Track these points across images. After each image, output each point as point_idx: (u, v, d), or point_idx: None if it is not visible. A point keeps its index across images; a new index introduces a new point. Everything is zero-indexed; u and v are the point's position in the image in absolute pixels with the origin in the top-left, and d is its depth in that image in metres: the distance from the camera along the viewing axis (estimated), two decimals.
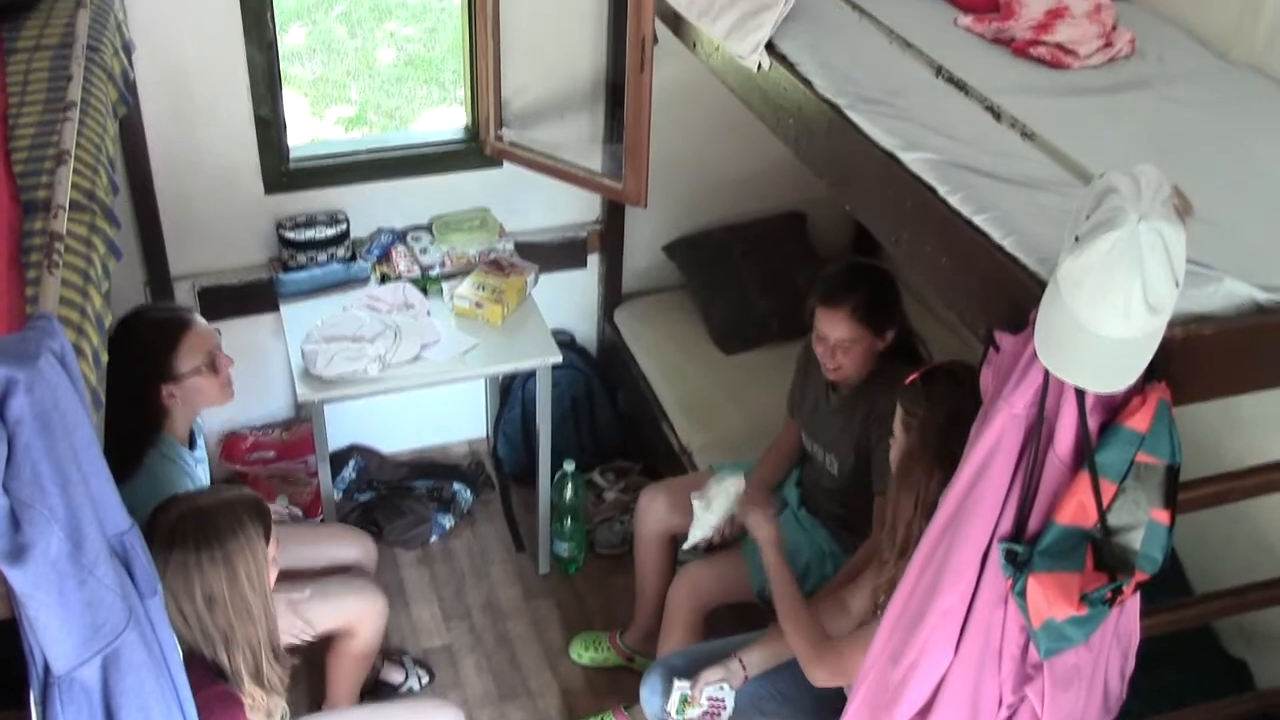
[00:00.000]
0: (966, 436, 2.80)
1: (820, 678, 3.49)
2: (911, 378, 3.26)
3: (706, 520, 4.10)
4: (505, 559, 5.42)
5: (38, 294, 2.21)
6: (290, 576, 3.93)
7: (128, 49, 3.88)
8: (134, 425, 3.60)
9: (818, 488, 4.26)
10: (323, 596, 4.05)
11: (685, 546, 4.26)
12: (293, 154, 5.07)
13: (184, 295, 5.02)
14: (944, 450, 3.04)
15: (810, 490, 4.31)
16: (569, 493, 5.17)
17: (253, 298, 5.09)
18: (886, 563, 3.28)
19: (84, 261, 2.46)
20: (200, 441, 3.99)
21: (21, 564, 1.82)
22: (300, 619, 3.97)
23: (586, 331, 5.93)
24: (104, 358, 2.42)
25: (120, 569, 2.07)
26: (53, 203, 2.36)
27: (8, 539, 1.80)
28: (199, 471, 3.85)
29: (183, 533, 3.02)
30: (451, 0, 9.69)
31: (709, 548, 4.29)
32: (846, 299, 3.90)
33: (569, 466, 5.14)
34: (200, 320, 3.85)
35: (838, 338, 3.92)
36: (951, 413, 3.05)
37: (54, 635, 1.96)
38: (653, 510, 4.56)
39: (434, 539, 5.47)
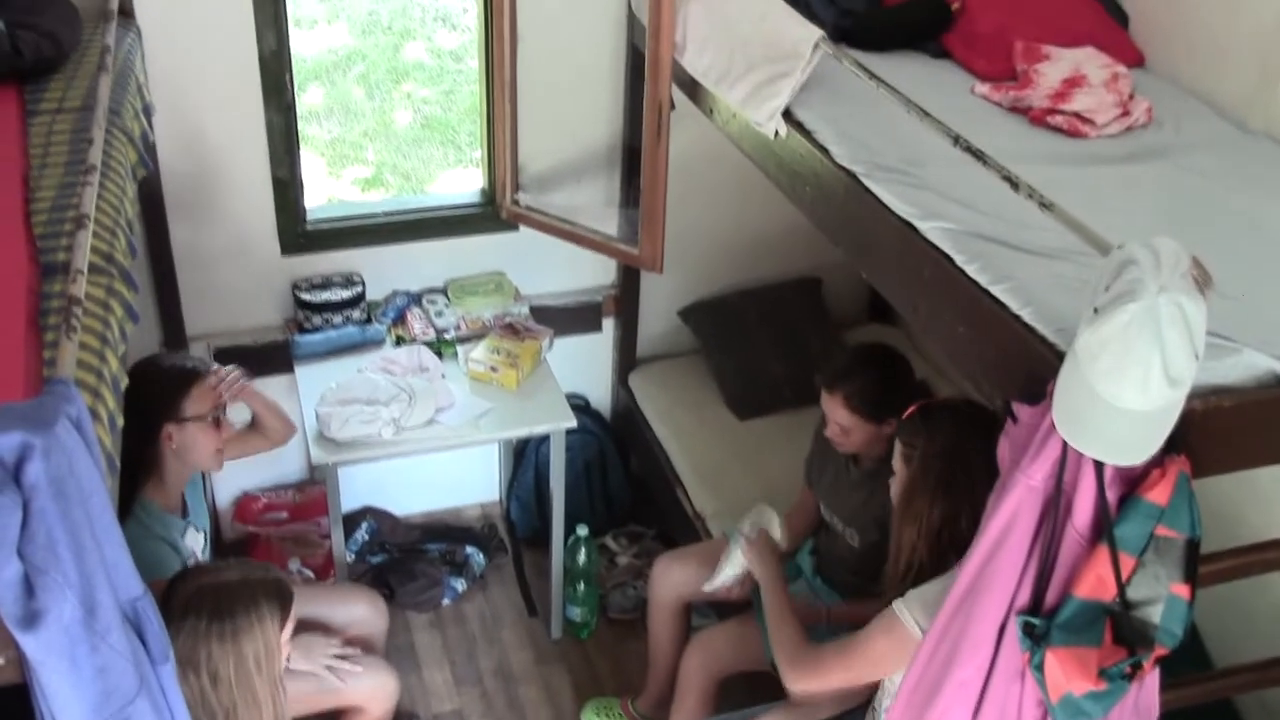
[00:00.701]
0: (967, 466, 2.84)
1: (796, 682, 3.46)
2: (909, 411, 3.28)
3: (738, 560, 4.08)
4: (517, 623, 5.39)
5: (55, 357, 2.21)
6: (304, 628, 3.96)
7: (148, 111, 3.91)
8: (134, 468, 3.62)
9: (833, 557, 4.23)
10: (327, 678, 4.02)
11: (706, 587, 4.21)
12: (309, 215, 5.08)
13: (199, 355, 4.98)
14: (945, 479, 3.08)
15: (826, 559, 4.28)
16: (582, 557, 5.15)
17: (268, 359, 5.08)
18: (887, 595, 3.26)
19: (101, 325, 2.47)
20: (199, 508, 3.98)
21: (35, 630, 1.82)
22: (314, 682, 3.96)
23: (601, 395, 5.92)
24: (119, 421, 2.42)
25: (133, 635, 2.06)
26: (71, 266, 2.36)
27: (21, 605, 1.80)
28: (187, 540, 3.81)
29: (197, 605, 3.01)
30: (468, 63, 9.73)
31: (721, 609, 4.26)
32: (842, 386, 3.90)
33: (582, 531, 5.12)
34: (210, 374, 3.86)
35: (836, 421, 3.94)
36: (950, 442, 3.11)
37: (66, 701, 1.95)
38: (667, 578, 4.52)
39: (446, 602, 5.44)
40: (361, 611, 4.33)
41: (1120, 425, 2.23)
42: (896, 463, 3.29)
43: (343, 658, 4.00)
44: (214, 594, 3.05)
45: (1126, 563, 2.38)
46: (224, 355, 4.99)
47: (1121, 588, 2.39)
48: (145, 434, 3.66)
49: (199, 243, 4.87)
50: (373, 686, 4.10)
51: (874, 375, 3.92)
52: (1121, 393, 2.18)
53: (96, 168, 2.74)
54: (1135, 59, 4.13)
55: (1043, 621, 2.50)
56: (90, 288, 2.44)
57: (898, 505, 3.29)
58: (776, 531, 4.00)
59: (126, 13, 4.22)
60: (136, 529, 3.62)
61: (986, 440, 2.72)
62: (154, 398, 3.67)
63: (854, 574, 4.14)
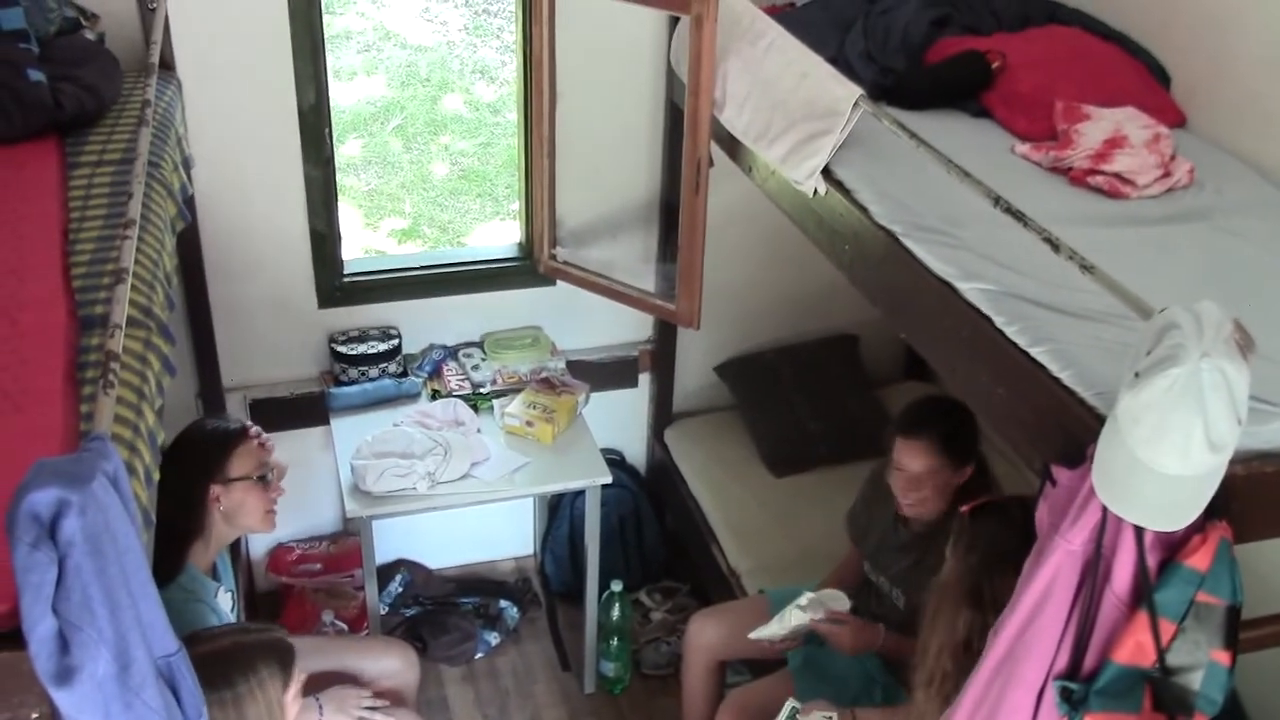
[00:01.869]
0: (999, 579, 2.77)
1: None
2: (966, 508, 3.21)
3: (789, 622, 4.07)
4: (550, 678, 5.37)
5: (92, 411, 2.22)
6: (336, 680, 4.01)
7: (187, 164, 3.93)
8: (184, 526, 3.63)
9: (877, 616, 4.19)
10: None
11: (751, 635, 4.18)
12: (347, 268, 5.10)
13: (235, 406, 5.04)
14: (975, 591, 3.01)
15: (868, 618, 4.24)
16: (616, 612, 5.14)
17: (303, 411, 5.11)
18: (914, 698, 3.23)
19: (139, 379, 2.48)
20: (226, 570, 3.98)
21: (69, 686, 1.81)
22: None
23: (636, 450, 5.92)
24: (155, 476, 2.43)
25: (167, 692, 2.05)
26: (110, 321, 2.36)
27: (56, 661, 1.79)
28: (222, 602, 3.80)
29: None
30: (506, 115, 9.78)
31: (755, 666, 4.25)
32: (927, 430, 3.85)
33: (616, 586, 5.11)
34: (253, 435, 3.86)
35: (916, 470, 3.86)
36: (987, 555, 3.01)
37: None
38: (702, 637, 4.49)
39: (479, 656, 5.43)
40: (394, 664, 4.31)
41: (1161, 491, 2.21)
42: (948, 551, 3.23)
43: (374, 709, 3.99)
44: (209, 663, 3.02)
45: (1166, 629, 2.36)
46: (260, 407, 5.04)
47: (1161, 654, 2.37)
48: (192, 498, 3.67)
49: (236, 294, 4.90)
50: None
51: (955, 419, 3.89)
52: (1162, 458, 2.17)
53: (136, 221, 2.75)
54: (1177, 119, 4.11)
55: (1081, 687, 2.47)
56: (128, 341, 2.45)
57: (932, 601, 3.21)
58: (845, 606, 4.03)
59: (167, 65, 4.25)
60: (179, 593, 3.61)
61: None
62: (198, 460, 3.69)
63: (899, 632, 4.11)
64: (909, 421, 3.91)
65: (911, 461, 3.86)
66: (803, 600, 4.07)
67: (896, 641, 4.01)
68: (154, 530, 2.29)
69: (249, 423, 3.98)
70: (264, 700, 3.04)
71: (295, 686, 3.15)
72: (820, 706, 3.82)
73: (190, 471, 3.63)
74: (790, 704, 3.84)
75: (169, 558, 3.57)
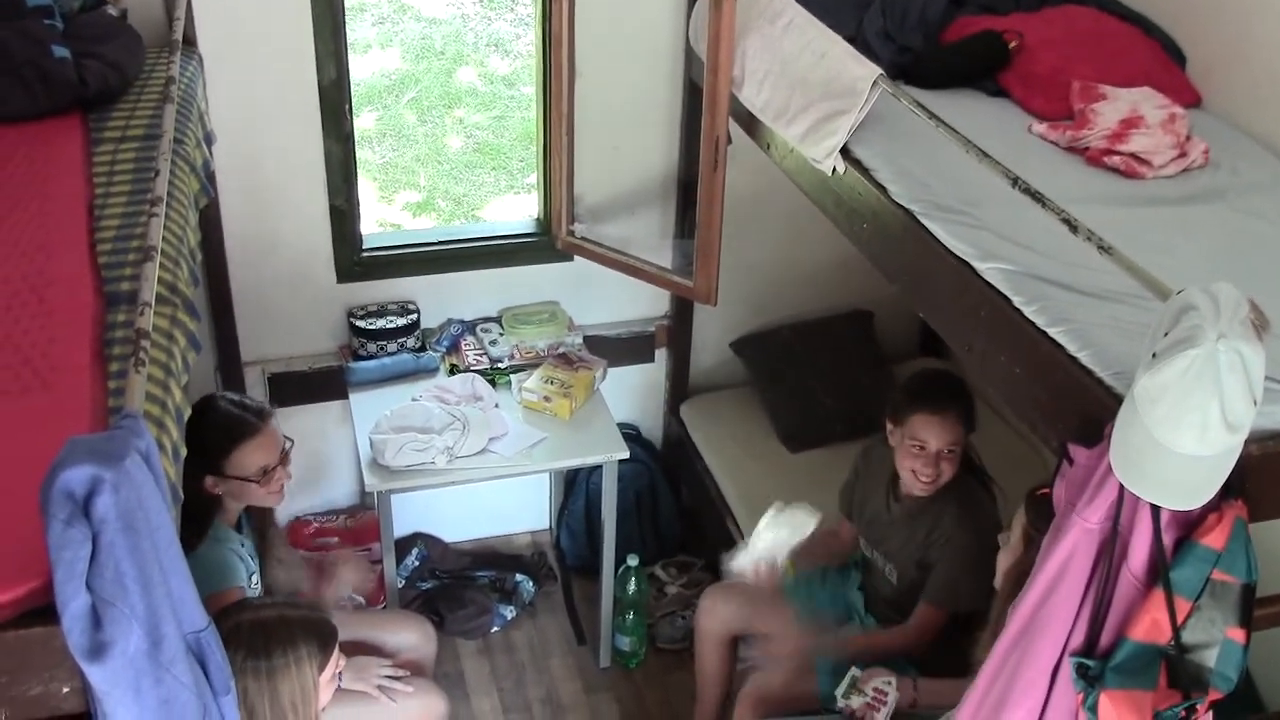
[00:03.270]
0: None
1: None
2: (1044, 490, 3.19)
3: (764, 542, 4.14)
4: (566, 652, 5.41)
5: (121, 388, 2.24)
6: (355, 651, 4.03)
7: (209, 140, 3.94)
8: (192, 510, 3.64)
9: (878, 595, 4.23)
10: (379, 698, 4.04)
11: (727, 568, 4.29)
12: (365, 243, 5.12)
13: (254, 381, 5.07)
14: None
15: (872, 597, 4.28)
16: (632, 587, 5.16)
17: (322, 385, 5.13)
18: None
19: (166, 356, 2.50)
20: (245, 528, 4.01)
21: (101, 661, 1.84)
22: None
23: (652, 426, 5.93)
24: (183, 451, 2.45)
25: (196, 666, 2.08)
26: (139, 299, 2.38)
27: (88, 636, 1.82)
28: (246, 552, 3.84)
29: (235, 640, 3.00)
30: (520, 89, 9.78)
31: None
32: (954, 404, 3.89)
33: (633, 560, 5.13)
34: (270, 427, 3.83)
35: (943, 443, 3.87)
36: None
37: None
38: (716, 612, 4.51)
39: (495, 630, 5.46)
40: (411, 638, 4.34)
41: (1178, 470, 2.23)
42: (1015, 536, 3.19)
43: (394, 679, 4.02)
44: (251, 631, 3.05)
45: (1182, 606, 2.38)
46: (278, 381, 5.06)
47: (1177, 631, 2.39)
48: (190, 484, 3.68)
49: (255, 269, 4.92)
50: (422, 707, 4.11)
51: (968, 391, 3.96)
52: (1179, 438, 2.18)
53: (163, 199, 2.77)
54: (1192, 99, 4.11)
55: (1097, 663, 2.49)
56: (155, 319, 2.46)
57: (1007, 583, 3.18)
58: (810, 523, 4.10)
59: (189, 41, 4.27)
60: (212, 545, 3.67)
61: None
62: (197, 447, 3.67)
63: (893, 609, 4.16)
64: (934, 397, 3.92)
65: (939, 436, 3.86)
66: (763, 521, 4.10)
67: (865, 641, 4.11)
68: (181, 505, 2.31)
69: (265, 405, 3.96)
70: (298, 679, 3.07)
71: (331, 669, 3.18)
72: (879, 674, 3.82)
73: (191, 453, 3.61)
74: (851, 672, 3.85)
75: (186, 541, 3.60)
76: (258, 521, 4.00)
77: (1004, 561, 3.26)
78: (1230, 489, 2.33)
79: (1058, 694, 2.60)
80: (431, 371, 5.09)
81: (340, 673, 3.63)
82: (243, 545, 3.84)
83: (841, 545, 4.44)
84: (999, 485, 4.06)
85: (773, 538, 4.14)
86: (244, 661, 3.00)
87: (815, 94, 3.71)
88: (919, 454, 3.90)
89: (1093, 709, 2.48)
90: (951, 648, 3.81)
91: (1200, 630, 2.40)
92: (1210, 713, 2.52)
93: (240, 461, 3.74)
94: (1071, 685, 2.54)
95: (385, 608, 4.96)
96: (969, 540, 3.85)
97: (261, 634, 3.05)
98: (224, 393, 4.18)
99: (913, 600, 4.03)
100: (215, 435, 3.71)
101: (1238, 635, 2.40)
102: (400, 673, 4.06)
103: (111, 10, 3.98)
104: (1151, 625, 2.41)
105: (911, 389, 4.03)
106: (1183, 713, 2.41)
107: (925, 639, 4.00)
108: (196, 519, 3.69)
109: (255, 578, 3.86)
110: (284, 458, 3.86)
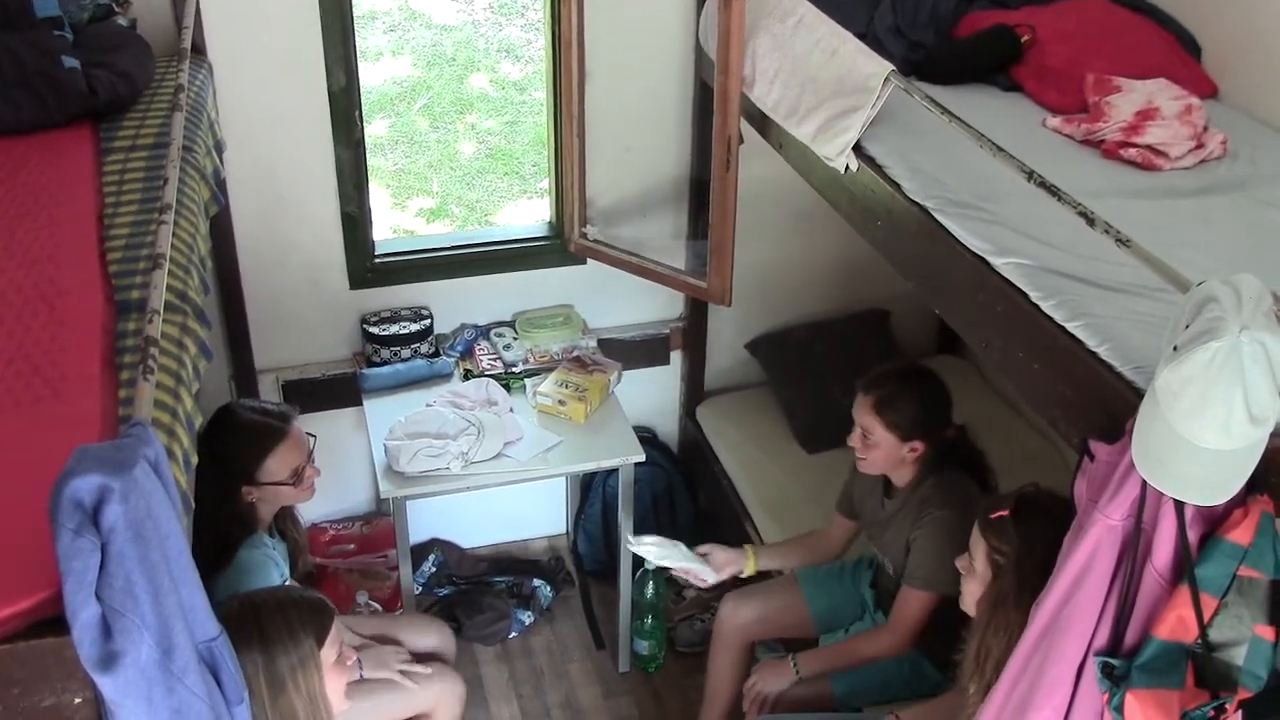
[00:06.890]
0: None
1: None
2: (1000, 513, 3.15)
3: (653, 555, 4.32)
4: (584, 657, 5.39)
5: (131, 397, 2.22)
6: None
7: (219, 147, 3.94)
8: (229, 523, 3.66)
9: (886, 591, 4.21)
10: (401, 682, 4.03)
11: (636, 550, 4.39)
12: (378, 249, 5.11)
13: (268, 388, 5.06)
14: (1040, 589, 2.96)
15: (882, 593, 4.26)
16: (650, 590, 5.14)
17: (336, 392, 5.12)
18: (970, 700, 3.20)
19: (176, 364, 2.48)
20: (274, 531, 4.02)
21: (112, 672, 1.82)
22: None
23: (668, 428, 5.92)
24: (194, 459, 2.43)
25: (208, 676, 2.06)
26: (148, 307, 2.37)
27: (99, 647, 1.80)
28: (279, 555, 3.87)
29: (223, 616, 2.99)
30: (532, 94, 9.78)
31: (789, 643, 4.29)
32: (877, 390, 3.92)
33: (650, 564, 5.10)
34: (295, 428, 3.87)
35: (862, 426, 3.94)
36: (1048, 551, 2.92)
37: None
38: (735, 618, 4.48)
39: (513, 635, 5.44)
40: (430, 640, 4.33)
41: (1202, 465, 2.20)
42: (980, 563, 3.18)
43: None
44: (244, 616, 3.03)
45: (1208, 604, 2.35)
46: (292, 388, 5.05)
47: (1203, 629, 2.36)
48: (226, 496, 3.69)
49: (268, 277, 4.91)
50: (441, 690, 4.11)
51: (913, 389, 3.94)
52: (1203, 432, 2.16)
53: (172, 206, 2.76)
54: (1208, 90, 4.09)
55: (1122, 662, 2.46)
56: (165, 327, 2.46)
57: (982, 611, 3.17)
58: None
59: (198, 49, 4.26)
60: (249, 553, 3.70)
61: None
62: (231, 458, 3.69)
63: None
64: (867, 378, 3.99)
65: (860, 417, 3.95)
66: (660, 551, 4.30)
67: (847, 647, 4.15)
68: (194, 512, 2.30)
69: (285, 407, 3.97)
70: (298, 659, 3.04)
71: (332, 648, 3.14)
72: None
73: (223, 471, 3.61)
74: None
75: (224, 552, 3.63)
76: (279, 522, 4.00)
77: (973, 590, 3.24)
78: (1256, 484, 2.30)
79: (1083, 693, 2.57)
80: (446, 377, 5.07)
81: (360, 660, 3.61)
82: (274, 549, 3.86)
83: (828, 545, 4.47)
84: (996, 472, 4.07)
85: (659, 554, 4.24)
86: (234, 629, 2.98)
87: (827, 92, 3.69)
88: (853, 430, 3.99)
89: (1119, 709, 2.45)
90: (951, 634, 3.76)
91: (1228, 628, 2.37)
92: (1240, 712, 2.49)
93: (273, 468, 3.77)
94: (1097, 685, 2.51)
95: (403, 613, 4.94)
96: (945, 516, 3.85)
97: (257, 620, 3.03)
98: (241, 401, 4.17)
99: None
100: (246, 447, 3.76)
101: (1267, 632, 2.37)
102: (418, 668, 4.06)
103: (121, 20, 3.99)
104: (1177, 623, 2.38)
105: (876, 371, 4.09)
106: (1211, 712, 2.38)
107: (913, 630, 3.98)
108: (241, 528, 3.74)
109: (287, 580, 3.86)
110: (310, 455, 3.90)
